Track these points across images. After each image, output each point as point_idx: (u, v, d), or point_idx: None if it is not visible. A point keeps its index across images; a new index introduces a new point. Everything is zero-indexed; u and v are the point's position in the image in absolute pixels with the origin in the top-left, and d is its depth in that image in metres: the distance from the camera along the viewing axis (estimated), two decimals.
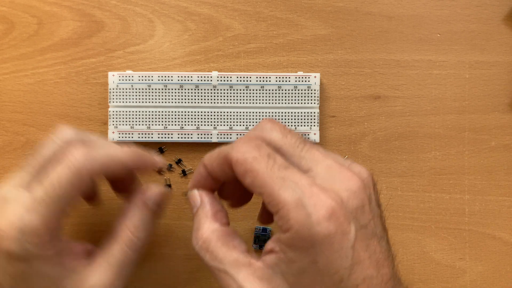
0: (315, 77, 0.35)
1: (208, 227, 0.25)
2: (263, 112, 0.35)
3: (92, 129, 0.36)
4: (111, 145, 0.27)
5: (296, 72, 0.36)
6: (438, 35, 0.36)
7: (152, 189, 0.29)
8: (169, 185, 0.36)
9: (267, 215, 0.27)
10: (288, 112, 0.35)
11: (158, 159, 0.30)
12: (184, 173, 0.36)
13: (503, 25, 0.36)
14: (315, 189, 0.22)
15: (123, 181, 0.30)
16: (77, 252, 0.27)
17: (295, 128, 0.35)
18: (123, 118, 0.35)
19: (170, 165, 0.36)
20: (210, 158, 0.25)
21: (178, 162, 0.36)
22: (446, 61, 0.36)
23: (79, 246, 0.28)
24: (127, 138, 0.35)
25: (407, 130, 0.36)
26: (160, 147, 0.36)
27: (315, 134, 0.35)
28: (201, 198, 0.26)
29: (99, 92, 0.36)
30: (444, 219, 0.36)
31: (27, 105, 0.36)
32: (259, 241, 0.35)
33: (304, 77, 0.35)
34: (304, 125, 0.35)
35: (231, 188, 0.28)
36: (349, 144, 0.36)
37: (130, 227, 0.27)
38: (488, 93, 0.36)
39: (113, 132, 0.35)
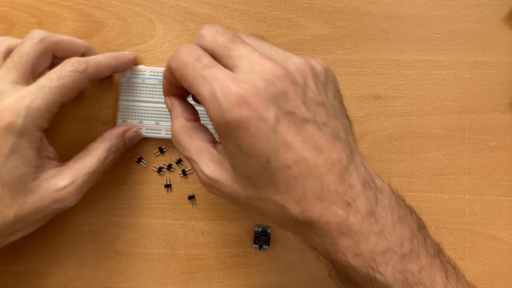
0: None
1: (177, 124, 0.28)
2: None
3: (92, 129, 0.36)
4: (84, 43, 0.34)
5: None
6: (438, 35, 0.36)
7: (131, 128, 0.34)
8: (169, 185, 0.36)
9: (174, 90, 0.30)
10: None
11: (128, 54, 0.35)
12: (184, 173, 0.36)
13: (503, 25, 0.36)
14: (228, 82, 0.24)
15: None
16: (50, 154, 0.31)
17: None
18: (132, 112, 0.35)
19: (170, 165, 0.36)
20: (165, 70, 0.28)
21: (178, 162, 0.36)
22: (446, 61, 0.36)
23: (53, 150, 0.32)
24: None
25: (407, 130, 0.36)
26: (160, 147, 0.36)
27: None
28: (171, 102, 0.29)
29: (99, 92, 0.36)
30: (444, 219, 0.36)
31: None
32: (259, 241, 0.35)
33: None
34: None
35: None
36: None
37: (106, 147, 0.32)
38: (488, 93, 0.36)
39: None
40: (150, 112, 0.35)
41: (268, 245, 0.35)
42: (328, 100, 0.26)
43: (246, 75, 0.24)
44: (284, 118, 0.24)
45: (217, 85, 0.24)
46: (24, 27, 0.36)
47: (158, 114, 0.35)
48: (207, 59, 0.26)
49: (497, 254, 0.36)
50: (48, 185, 0.30)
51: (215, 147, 0.28)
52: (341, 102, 0.27)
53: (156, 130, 0.35)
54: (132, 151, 0.36)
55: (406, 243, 0.25)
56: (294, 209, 0.25)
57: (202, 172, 0.27)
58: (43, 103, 0.29)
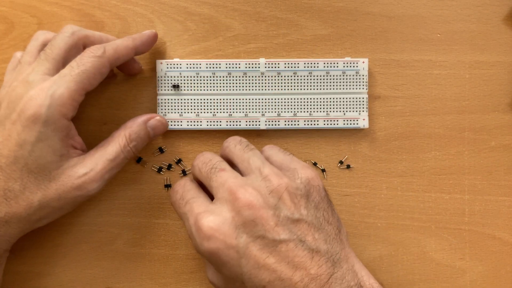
0: (363, 62, 0.35)
1: None
2: (311, 98, 0.35)
3: (86, 129, 0.36)
4: (114, 39, 0.34)
5: None
6: (438, 35, 0.36)
7: (155, 116, 0.34)
8: (169, 185, 0.36)
9: None
10: (336, 98, 0.35)
11: (147, 32, 0.34)
12: (184, 173, 0.36)
13: (503, 25, 0.36)
14: (200, 217, 0.27)
15: (128, 64, 0.35)
16: (77, 144, 0.32)
17: (344, 114, 0.35)
18: (171, 105, 0.35)
19: (170, 165, 0.36)
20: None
21: (178, 162, 0.36)
22: (446, 61, 0.36)
23: (80, 140, 0.32)
24: (176, 126, 0.35)
25: (407, 130, 0.36)
26: (160, 147, 0.36)
27: (364, 119, 0.35)
28: None
29: (100, 92, 0.36)
30: (444, 219, 0.36)
31: None
32: None
33: (352, 62, 0.35)
34: (353, 111, 0.35)
35: None
36: (349, 144, 0.36)
37: (127, 135, 0.32)
38: (488, 93, 0.36)
39: None
40: (189, 104, 0.35)
41: None
42: (308, 213, 0.28)
43: (219, 207, 0.27)
44: (254, 242, 0.26)
45: (191, 221, 0.28)
46: (24, 27, 0.36)
47: (197, 106, 0.35)
48: (190, 193, 0.29)
49: (497, 254, 0.36)
50: (70, 172, 0.30)
51: None
52: (326, 210, 0.29)
53: (197, 122, 0.35)
54: None
55: None
56: None
57: (207, 272, 0.30)
58: (65, 91, 0.29)
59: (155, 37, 0.34)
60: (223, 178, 0.28)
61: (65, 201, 0.30)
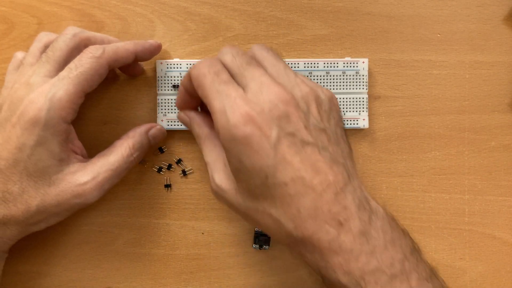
0: (363, 62, 0.35)
1: (203, 132, 0.31)
2: None
3: (86, 129, 0.36)
4: (117, 40, 0.34)
5: None
6: (438, 35, 0.36)
7: (155, 125, 0.34)
8: (169, 185, 0.36)
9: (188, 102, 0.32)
10: (336, 98, 0.35)
11: (152, 41, 0.34)
12: (184, 173, 0.36)
13: (503, 25, 0.36)
14: (238, 100, 0.26)
15: (129, 66, 0.35)
16: (77, 149, 0.32)
17: (344, 114, 0.35)
18: (171, 106, 0.35)
19: (170, 165, 0.36)
20: (184, 77, 0.30)
21: (178, 162, 0.36)
22: (446, 61, 0.36)
23: (80, 145, 0.32)
24: (176, 126, 0.35)
25: (407, 130, 0.36)
26: (160, 147, 0.36)
27: (364, 119, 0.35)
28: (187, 115, 0.32)
29: (100, 92, 0.36)
30: (444, 219, 0.36)
31: None
32: (259, 241, 0.35)
33: (352, 62, 0.35)
34: (353, 111, 0.35)
35: None
36: None
37: (130, 145, 0.32)
38: (488, 93, 0.36)
39: (162, 120, 0.35)
40: None
41: (268, 245, 0.35)
42: (330, 127, 0.28)
43: (254, 96, 0.26)
44: (285, 138, 0.26)
45: (228, 101, 0.26)
46: (24, 27, 0.36)
47: None
48: (225, 75, 0.28)
49: (497, 254, 0.36)
50: (70, 179, 0.30)
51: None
52: (342, 129, 0.29)
53: None
54: None
55: (396, 264, 0.26)
56: (288, 225, 0.26)
57: (212, 178, 0.29)
58: (64, 94, 0.29)
59: (158, 47, 0.34)
60: (260, 71, 0.28)
61: (63, 207, 0.30)
